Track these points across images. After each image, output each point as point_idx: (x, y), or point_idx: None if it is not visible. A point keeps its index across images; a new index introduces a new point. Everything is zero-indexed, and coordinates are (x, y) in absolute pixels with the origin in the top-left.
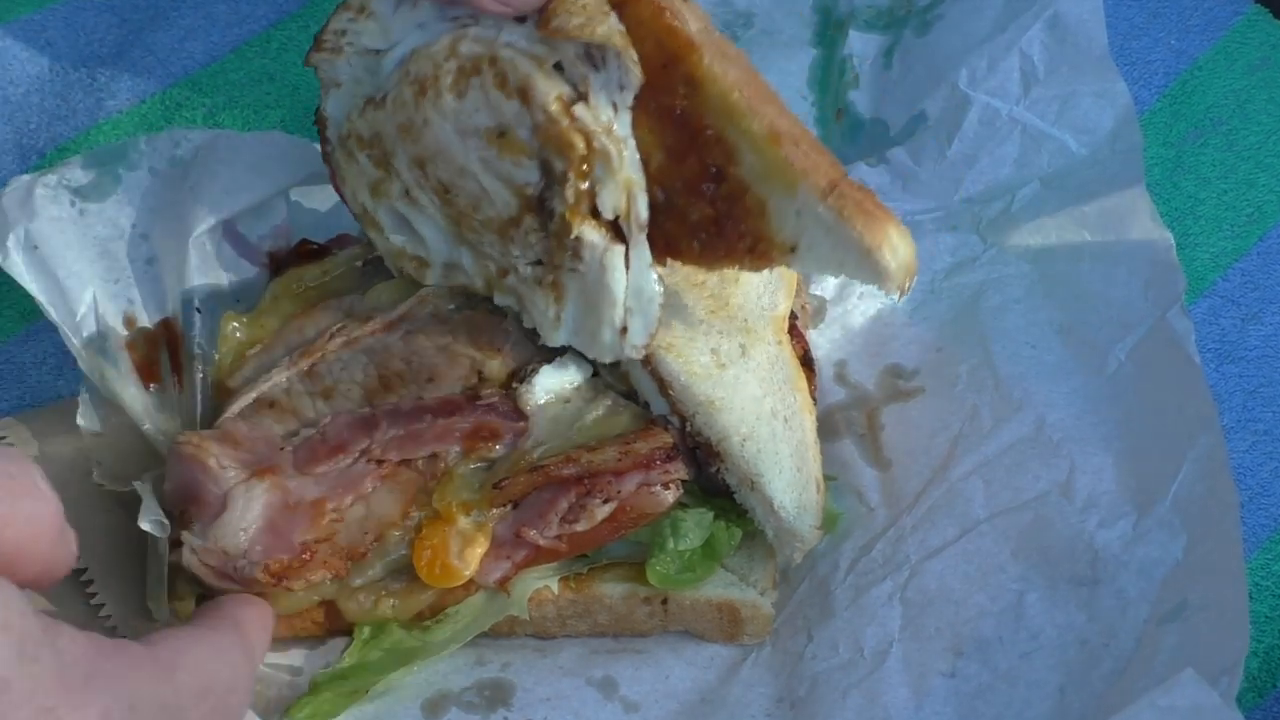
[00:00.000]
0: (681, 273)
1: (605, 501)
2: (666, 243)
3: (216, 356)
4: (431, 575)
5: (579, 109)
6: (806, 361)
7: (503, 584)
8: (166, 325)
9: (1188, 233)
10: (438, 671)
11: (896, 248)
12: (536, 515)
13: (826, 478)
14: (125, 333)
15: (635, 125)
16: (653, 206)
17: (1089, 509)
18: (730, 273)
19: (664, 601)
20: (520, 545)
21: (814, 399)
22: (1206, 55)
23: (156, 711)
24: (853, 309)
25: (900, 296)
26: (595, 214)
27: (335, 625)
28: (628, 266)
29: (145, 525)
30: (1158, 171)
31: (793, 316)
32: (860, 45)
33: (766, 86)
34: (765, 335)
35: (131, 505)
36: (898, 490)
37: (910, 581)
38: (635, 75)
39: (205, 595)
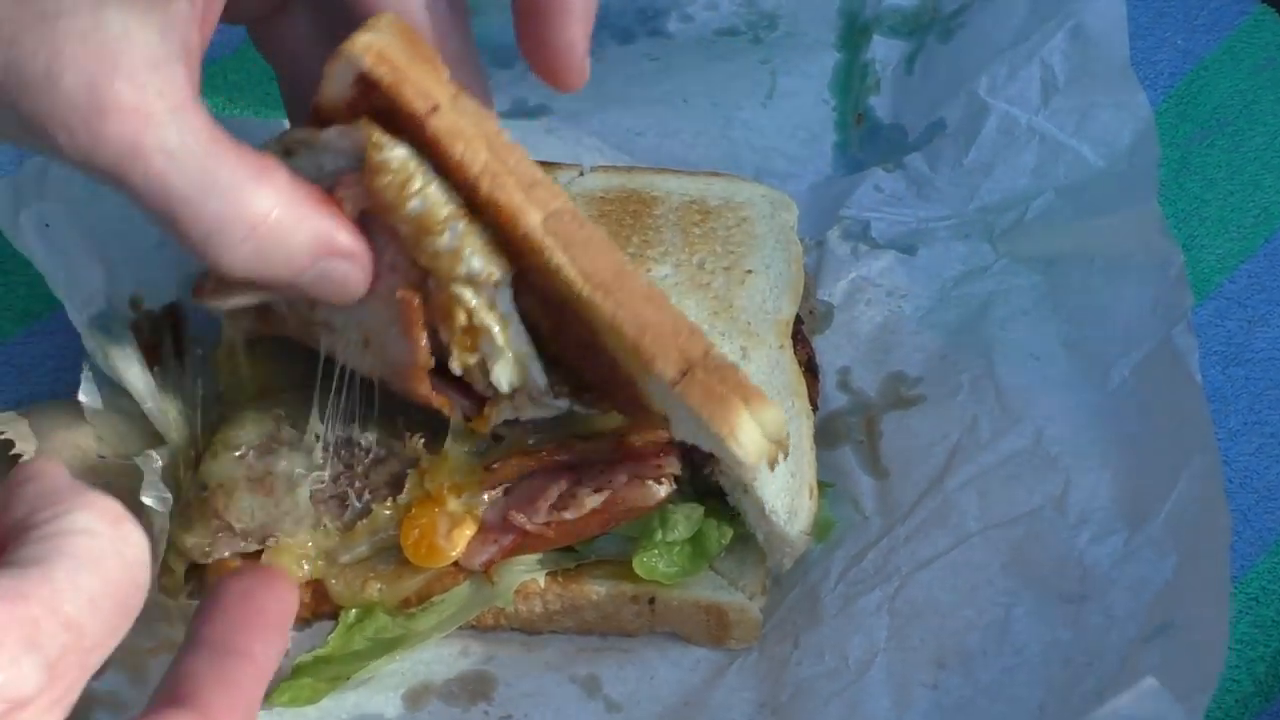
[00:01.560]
0: (685, 273)
1: (596, 491)
2: (573, 391)
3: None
4: (418, 555)
5: (458, 287)
6: (811, 367)
7: (487, 568)
8: (172, 309)
9: (1193, 235)
10: (421, 661)
11: (747, 432)
12: (526, 501)
13: (824, 484)
14: (131, 314)
15: (519, 296)
16: (555, 361)
17: (1081, 525)
18: (736, 274)
19: (651, 601)
20: (508, 530)
21: (816, 405)
22: (1213, 55)
23: None
24: (859, 315)
25: (772, 470)
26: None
27: (321, 608)
28: None
29: (147, 499)
30: (1164, 173)
31: (799, 322)
32: (883, 50)
33: (623, 262)
34: (767, 339)
35: (129, 503)
36: (893, 499)
37: (899, 592)
38: (502, 271)
39: (194, 568)
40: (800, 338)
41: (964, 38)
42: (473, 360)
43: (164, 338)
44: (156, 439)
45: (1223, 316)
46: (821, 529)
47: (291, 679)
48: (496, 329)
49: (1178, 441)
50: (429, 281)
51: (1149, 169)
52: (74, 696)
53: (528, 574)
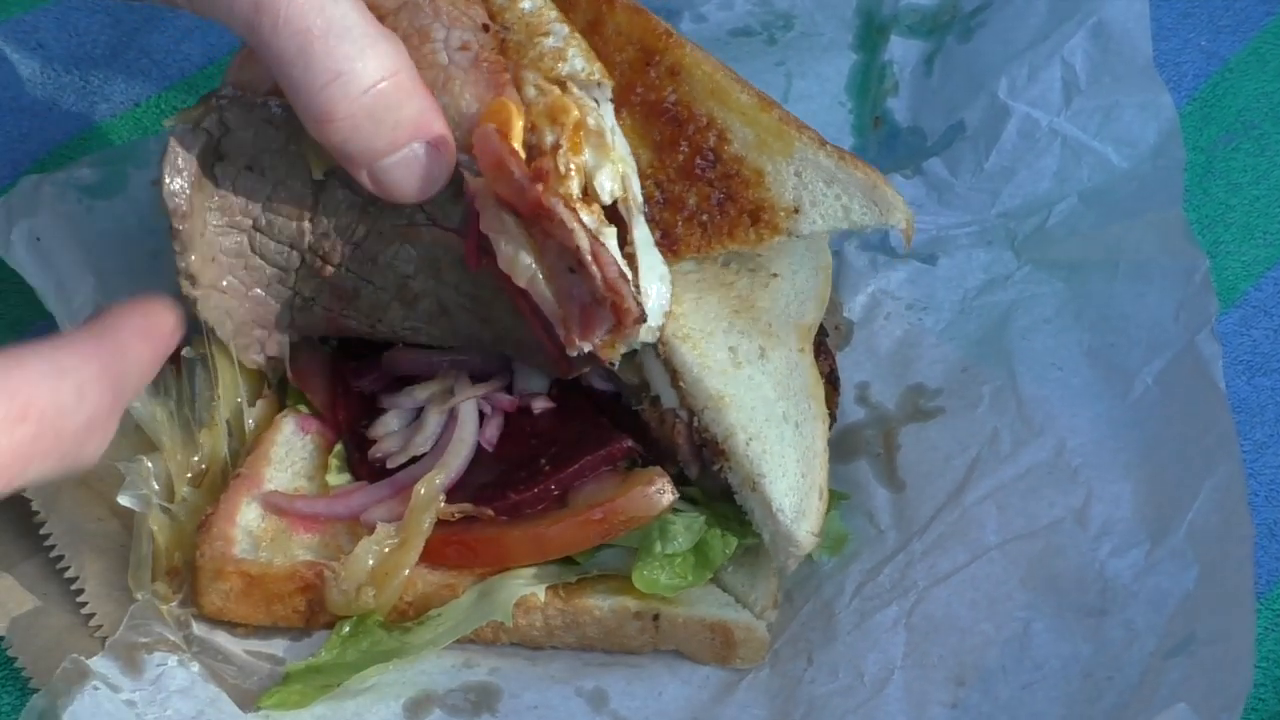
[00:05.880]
0: (709, 271)
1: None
2: (665, 235)
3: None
4: None
5: (572, 86)
6: (832, 379)
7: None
8: None
9: (1219, 240)
10: (423, 671)
11: (896, 188)
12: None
13: (839, 495)
14: None
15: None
16: (648, 201)
17: (1102, 537)
18: (761, 276)
19: (655, 617)
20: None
21: (834, 415)
22: (1238, 56)
23: None
24: (879, 330)
25: (906, 243)
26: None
27: (317, 619)
28: (625, 249)
29: (124, 500)
30: (1188, 177)
31: (823, 333)
32: (901, 51)
33: (735, 71)
34: (788, 341)
35: (123, 513)
36: (910, 513)
37: (916, 608)
38: (603, 75)
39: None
40: (824, 350)
41: (984, 37)
42: (577, 161)
43: None
44: (149, 446)
45: (1248, 325)
46: (835, 542)
47: (282, 685)
48: (606, 131)
49: (1201, 451)
50: (529, 89)
51: (1174, 172)
52: None
53: (526, 588)
